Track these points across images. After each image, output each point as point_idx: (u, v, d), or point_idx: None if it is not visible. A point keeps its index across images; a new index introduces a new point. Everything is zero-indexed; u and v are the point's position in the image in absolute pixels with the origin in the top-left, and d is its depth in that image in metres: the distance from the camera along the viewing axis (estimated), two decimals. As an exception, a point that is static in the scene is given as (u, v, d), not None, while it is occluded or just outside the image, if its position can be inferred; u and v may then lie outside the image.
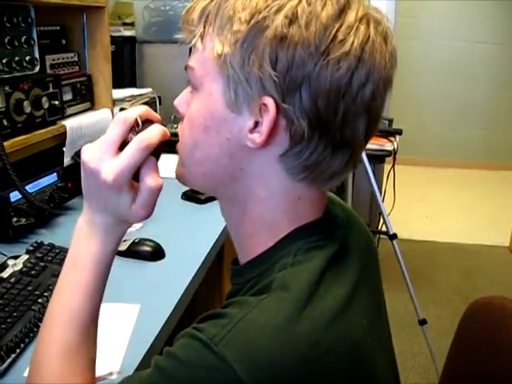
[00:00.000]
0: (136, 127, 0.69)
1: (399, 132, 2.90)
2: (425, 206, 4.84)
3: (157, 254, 1.37)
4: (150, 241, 1.39)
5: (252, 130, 0.65)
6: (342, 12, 0.62)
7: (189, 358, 0.58)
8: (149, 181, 0.69)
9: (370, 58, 0.62)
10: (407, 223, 4.22)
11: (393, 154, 2.89)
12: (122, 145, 0.68)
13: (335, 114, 0.62)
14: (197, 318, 0.66)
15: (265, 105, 0.62)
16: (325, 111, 0.62)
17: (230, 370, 0.55)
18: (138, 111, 0.70)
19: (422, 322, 2.60)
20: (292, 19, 0.60)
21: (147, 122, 0.70)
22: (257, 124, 0.64)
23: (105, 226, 0.72)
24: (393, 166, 2.99)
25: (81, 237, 0.73)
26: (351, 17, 0.62)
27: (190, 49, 0.69)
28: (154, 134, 0.69)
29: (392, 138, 2.91)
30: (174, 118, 2.67)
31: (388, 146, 2.87)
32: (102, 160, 0.67)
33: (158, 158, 0.71)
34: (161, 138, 0.69)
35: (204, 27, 0.66)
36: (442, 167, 5.94)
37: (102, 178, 0.67)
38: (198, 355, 0.58)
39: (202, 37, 0.66)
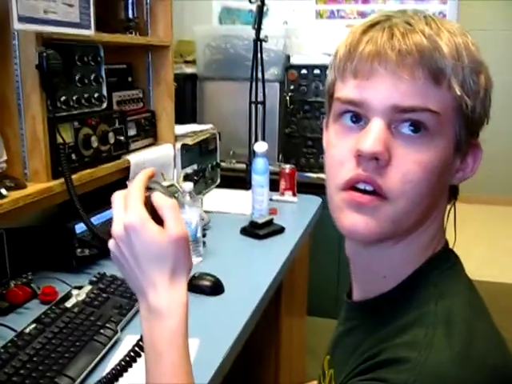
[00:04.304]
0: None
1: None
2: (486, 246, 4.67)
3: (216, 288, 1.37)
4: (210, 275, 1.39)
5: (458, 169, 0.70)
6: None
7: None
8: (159, 200, 0.71)
9: None
10: (466, 262, 4.07)
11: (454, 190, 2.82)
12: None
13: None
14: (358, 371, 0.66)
15: (476, 145, 0.70)
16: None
17: None
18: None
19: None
20: None
21: None
22: (462, 162, 0.70)
23: (164, 302, 0.69)
24: (453, 202, 2.91)
25: (149, 326, 0.70)
26: None
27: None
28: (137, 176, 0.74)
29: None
30: (232, 154, 2.71)
31: (449, 183, 2.81)
32: (120, 219, 0.70)
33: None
34: (145, 174, 0.74)
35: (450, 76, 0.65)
36: (506, 205, 5.74)
37: (127, 225, 0.68)
38: None
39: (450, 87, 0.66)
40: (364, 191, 0.66)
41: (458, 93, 0.64)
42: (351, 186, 0.67)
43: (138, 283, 0.71)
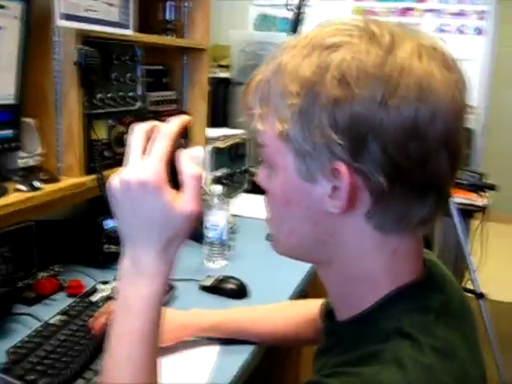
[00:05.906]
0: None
1: (491, 187, 2.80)
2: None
3: (240, 292, 1.37)
4: (234, 279, 1.40)
5: (331, 196, 0.62)
6: (388, 54, 0.58)
7: None
8: (185, 165, 0.69)
9: (432, 92, 0.58)
10: (499, 284, 3.97)
11: (482, 209, 2.79)
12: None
13: (409, 158, 0.58)
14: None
15: (337, 170, 0.60)
16: (398, 158, 0.58)
17: None
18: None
19: (507, 389, 2.46)
20: (340, 79, 0.58)
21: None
22: (335, 188, 0.61)
23: (151, 264, 0.69)
24: (481, 221, 2.88)
25: (128, 279, 0.70)
26: (400, 56, 0.58)
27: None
28: (171, 123, 0.70)
29: (483, 193, 2.82)
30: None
31: (478, 202, 2.78)
32: (134, 167, 0.67)
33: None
34: (179, 125, 0.70)
35: (261, 108, 0.66)
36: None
37: (141, 180, 0.66)
38: None
39: (261, 118, 0.66)
40: None
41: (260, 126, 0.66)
42: None
43: (130, 233, 0.70)
